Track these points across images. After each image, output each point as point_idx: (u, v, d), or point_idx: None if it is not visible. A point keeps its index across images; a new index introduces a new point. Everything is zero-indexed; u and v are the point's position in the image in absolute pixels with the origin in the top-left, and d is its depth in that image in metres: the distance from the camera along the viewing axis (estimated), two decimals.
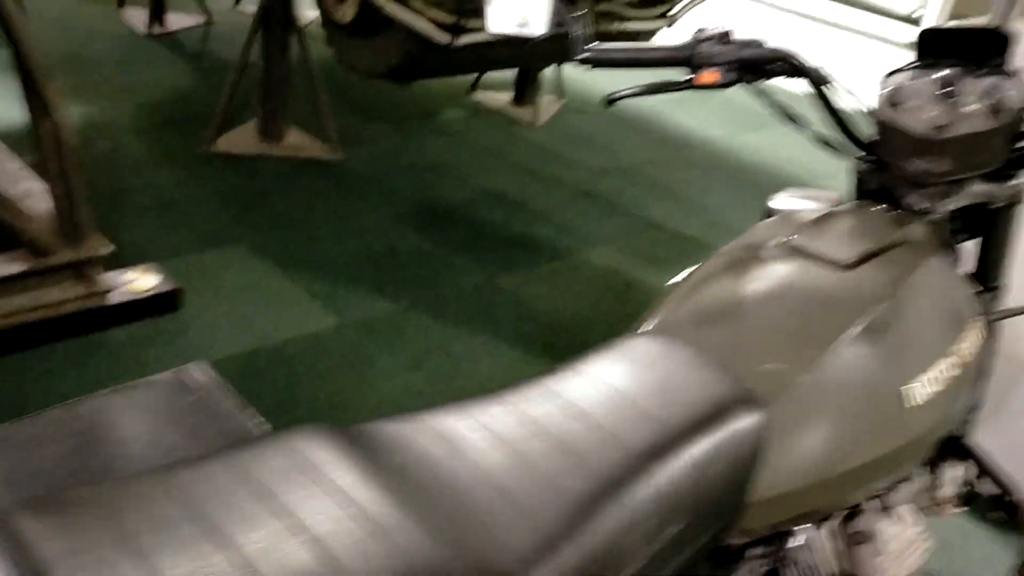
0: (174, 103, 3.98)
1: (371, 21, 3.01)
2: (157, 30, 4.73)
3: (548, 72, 4.55)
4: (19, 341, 2.30)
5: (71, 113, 3.63)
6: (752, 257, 1.11)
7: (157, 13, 4.75)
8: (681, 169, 4.16)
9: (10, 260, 2.29)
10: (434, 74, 3.45)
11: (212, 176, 3.38)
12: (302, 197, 3.33)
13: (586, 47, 1.21)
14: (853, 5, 5.43)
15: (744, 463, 0.92)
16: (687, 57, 1.20)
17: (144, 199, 3.14)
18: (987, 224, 1.30)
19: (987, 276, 1.35)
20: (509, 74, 4.49)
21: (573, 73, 4.90)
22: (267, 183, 3.39)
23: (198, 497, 0.66)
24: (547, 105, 4.57)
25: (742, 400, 0.94)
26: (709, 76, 1.19)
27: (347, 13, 2.98)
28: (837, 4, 5.41)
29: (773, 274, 1.08)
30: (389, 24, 2.99)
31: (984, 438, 2.33)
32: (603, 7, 3.42)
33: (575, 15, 1.20)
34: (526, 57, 3.82)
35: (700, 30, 1.21)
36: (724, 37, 1.20)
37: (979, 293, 1.34)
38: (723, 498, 0.91)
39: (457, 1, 2.90)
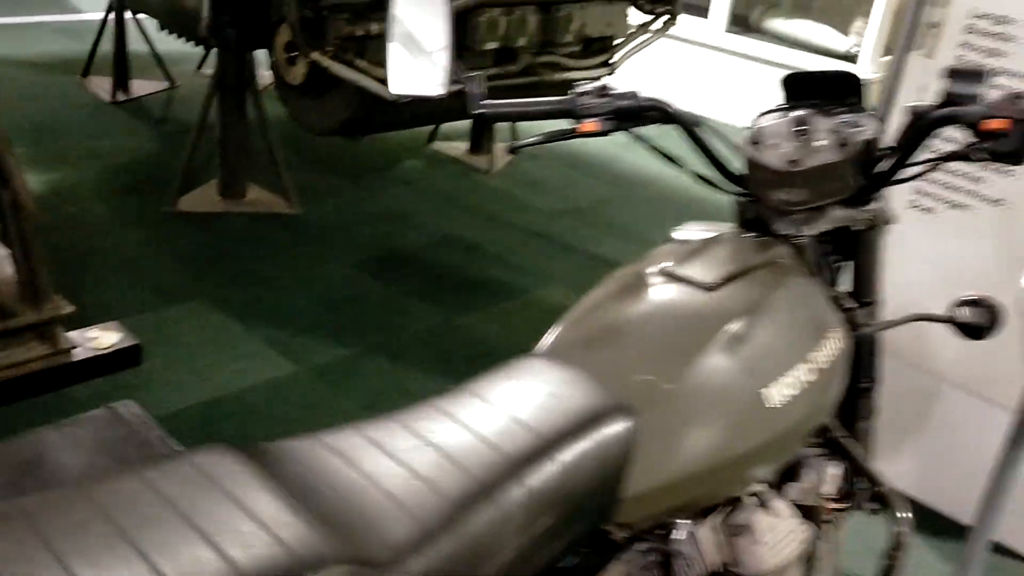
0: (138, 167, 4.11)
1: (320, 81, 3.16)
2: (121, 97, 4.88)
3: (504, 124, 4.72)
4: None
5: (39, 180, 3.76)
6: (634, 282, 1.24)
7: (121, 81, 4.90)
8: (632, 207, 4.32)
9: None
10: (383, 128, 3.60)
11: (174, 235, 3.50)
12: (262, 251, 3.45)
13: (481, 103, 1.35)
14: (794, 46, 5.67)
15: (615, 463, 1.04)
16: (570, 109, 1.35)
17: (109, 260, 3.25)
18: (854, 246, 1.43)
19: (861, 293, 1.49)
20: (465, 124, 4.66)
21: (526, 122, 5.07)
22: (228, 239, 3.51)
23: (110, 506, 0.77)
24: (502, 153, 4.74)
25: (614, 409, 1.06)
26: (590, 125, 1.33)
27: (297, 75, 3.13)
28: (778, 46, 5.65)
29: (649, 297, 1.20)
30: (337, 83, 3.14)
31: (906, 448, 2.46)
32: (545, 59, 3.60)
33: (470, 75, 1.34)
34: (548, 113, 3.98)
35: (579, 85, 1.36)
36: (602, 90, 1.35)
37: (856, 308, 1.47)
38: (595, 494, 1.03)
39: None
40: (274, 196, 3.86)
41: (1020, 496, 2.26)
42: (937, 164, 1.27)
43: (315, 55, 2.93)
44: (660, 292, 1.21)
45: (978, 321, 1.43)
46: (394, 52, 1.31)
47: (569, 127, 1.39)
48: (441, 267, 3.52)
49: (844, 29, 5.63)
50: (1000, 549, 2.31)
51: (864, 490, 1.42)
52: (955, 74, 1.20)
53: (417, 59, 1.31)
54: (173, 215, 3.64)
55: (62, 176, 3.89)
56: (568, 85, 4.00)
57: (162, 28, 4.15)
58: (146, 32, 4.91)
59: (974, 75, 1.19)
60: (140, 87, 5.01)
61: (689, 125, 1.36)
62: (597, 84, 1.35)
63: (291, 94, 3.36)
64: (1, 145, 2.28)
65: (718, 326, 1.15)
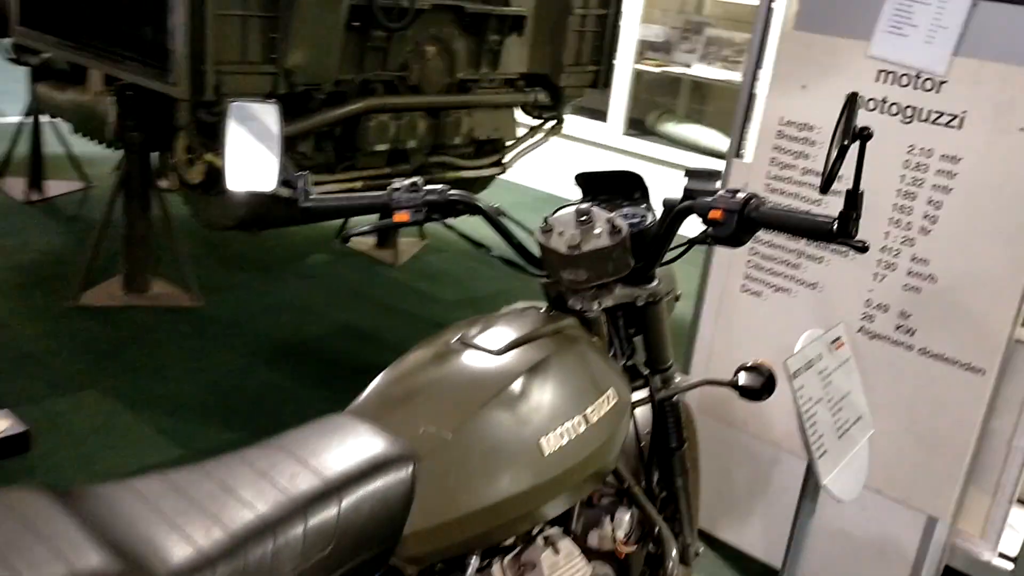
0: (44, 263, 4.22)
1: (218, 181, 3.36)
2: (35, 197, 5.00)
3: None
4: None
5: None
6: (435, 349, 1.42)
7: (35, 181, 5.03)
8: (528, 296, 4.53)
9: None
10: (281, 224, 3.79)
11: (74, 328, 3.59)
12: (160, 343, 3.56)
13: (309, 199, 1.55)
14: (685, 147, 6.08)
15: (397, 503, 1.20)
16: (385, 204, 1.55)
17: (5, 352, 3.33)
18: (641, 319, 1.65)
19: (656, 361, 1.69)
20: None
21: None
22: (127, 332, 3.62)
23: None
24: (408, 246, 4.96)
25: (397, 457, 1.22)
26: (401, 216, 1.54)
27: (196, 175, 3.32)
28: (671, 148, 6.05)
29: (444, 360, 1.39)
30: None
31: (727, 502, 2.64)
32: (437, 159, 3.86)
33: (298, 174, 1.54)
34: (369, 206, 4.21)
35: (394, 182, 1.57)
36: (413, 186, 1.56)
37: (652, 374, 1.68)
38: (378, 530, 1.18)
39: (297, 158, 3.28)
40: (177, 290, 3.99)
41: (819, 541, 2.47)
42: (688, 248, 1.49)
43: (209, 156, 3.13)
44: (454, 356, 1.40)
45: (754, 384, 1.65)
46: (230, 153, 1.51)
47: (391, 219, 1.59)
48: (337, 355, 3.66)
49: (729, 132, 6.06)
50: None
51: (649, 531, 1.59)
52: (693, 174, 1.44)
53: (252, 159, 1.51)
54: (75, 309, 3.74)
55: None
56: (462, 183, 4.32)
57: (75, 131, 4.32)
58: (62, 134, 5.07)
59: (709, 175, 1.43)
60: (55, 187, 5.14)
61: (492, 215, 1.57)
62: (409, 181, 1.56)
63: (192, 193, 3.54)
64: None
65: (501, 384, 1.33)
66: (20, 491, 1.04)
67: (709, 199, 1.40)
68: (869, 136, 1.20)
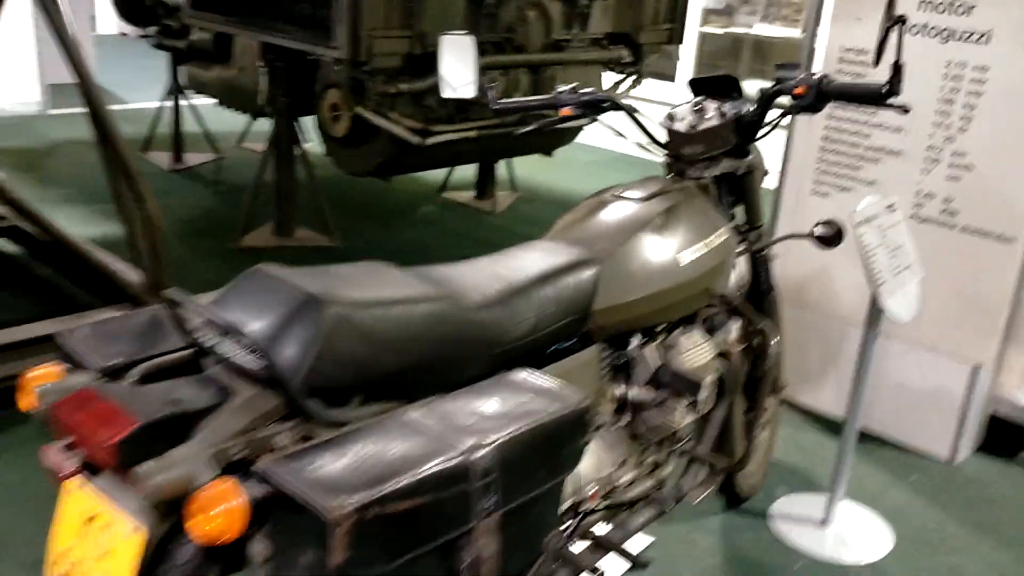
0: (202, 217, 4.93)
1: (359, 133, 4.00)
2: (179, 166, 5.74)
3: (504, 172, 5.58)
4: None
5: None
6: (598, 200, 2.02)
7: (177, 153, 5.77)
8: None
9: (119, 309, 3.16)
10: (409, 169, 4.43)
11: (237, 263, 4.26)
12: None
13: (497, 102, 2.15)
14: None
15: (588, 289, 1.80)
16: (555, 102, 2.15)
17: (188, 282, 4.02)
18: (740, 187, 2.22)
19: (751, 220, 2.27)
20: (470, 177, 5.50)
21: (523, 172, 5.94)
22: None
23: None
24: (504, 198, 5.57)
25: (587, 260, 1.82)
26: (566, 111, 2.13)
27: (341, 128, 3.97)
28: None
29: (606, 205, 1.98)
30: (373, 134, 3.98)
31: (824, 383, 3.19)
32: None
33: (490, 85, 2.13)
34: (481, 153, 4.83)
35: (558, 87, 2.16)
36: (573, 91, 2.15)
37: (749, 230, 2.25)
38: (576, 305, 1.78)
39: (425, 111, 3.91)
40: (317, 234, 4.66)
41: (880, 394, 3.00)
42: (780, 118, 2.06)
43: (358, 109, 3.77)
44: (612, 202, 2.00)
45: (827, 234, 2.21)
46: (444, 71, 2.11)
47: (554, 116, 2.19)
48: None
49: None
50: (866, 436, 3.05)
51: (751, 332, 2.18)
52: (781, 66, 2.01)
53: (456, 76, 2.11)
54: (237, 249, 4.44)
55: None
56: (556, 131, 4.92)
57: (221, 104, 5.02)
58: (198, 114, 5.80)
59: (793, 66, 2.00)
60: (193, 158, 5.87)
61: (630, 111, 2.16)
62: (570, 86, 2.16)
63: (335, 144, 4.20)
64: (138, 177, 3.09)
65: (648, 217, 1.93)
66: (371, 261, 1.65)
67: (793, 80, 1.97)
68: (904, 21, 1.75)
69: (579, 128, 4.92)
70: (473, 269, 1.72)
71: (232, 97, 4.88)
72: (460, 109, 4.12)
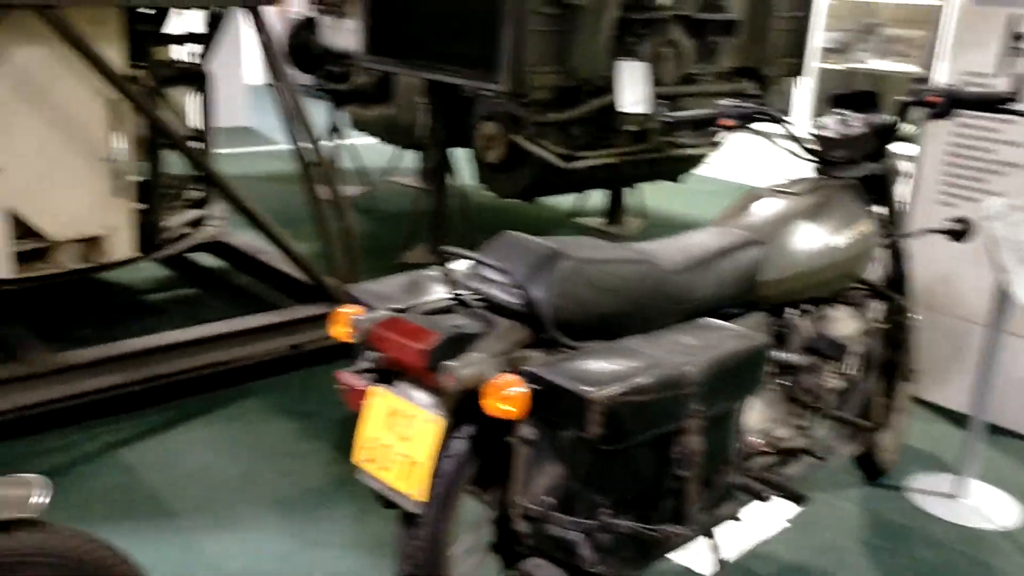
0: (362, 239, 5.49)
1: (511, 159, 4.48)
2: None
3: (633, 200, 5.98)
4: (316, 359, 3.64)
5: (304, 247, 5.15)
6: (756, 194, 2.39)
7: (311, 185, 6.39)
8: None
9: (315, 306, 3.68)
10: (553, 191, 4.87)
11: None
12: None
13: (665, 114, 2.56)
14: None
15: (754, 264, 2.17)
16: (716, 114, 2.54)
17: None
18: (879, 187, 2.55)
19: (889, 215, 2.60)
20: (600, 204, 5.93)
21: (653, 200, 6.33)
22: None
23: None
24: (633, 224, 5.97)
25: (752, 241, 2.20)
26: (726, 121, 2.52)
27: (495, 155, 4.46)
28: None
29: (767, 198, 2.35)
30: (522, 159, 4.45)
31: (951, 381, 3.43)
32: (667, 138, 4.85)
33: (662, 101, 2.54)
34: (615, 179, 5.25)
35: (719, 100, 2.55)
36: (734, 104, 2.54)
37: (888, 224, 2.59)
38: (745, 278, 2.15)
39: (570, 138, 4.36)
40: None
41: (1009, 387, 3.22)
42: (917, 126, 2.40)
43: (513, 137, 4.25)
44: (772, 195, 2.37)
45: (959, 228, 2.52)
46: (622, 90, 2.53)
47: (712, 128, 2.59)
48: None
49: None
50: (995, 429, 3.28)
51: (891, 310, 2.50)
52: (914, 80, 2.36)
53: (634, 94, 2.53)
54: (399, 264, 4.96)
55: (317, 244, 5.28)
56: (685, 160, 5.38)
57: (382, 140, 5.61)
58: (352, 151, 6.43)
59: (923, 79, 2.34)
60: (348, 190, 6.49)
61: (783, 121, 2.54)
62: (731, 101, 2.55)
63: (488, 171, 4.69)
64: (341, 196, 3.62)
65: (806, 206, 2.29)
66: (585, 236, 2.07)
67: (927, 91, 2.31)
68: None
69: (703, 156, 5.30)
70: (663, 245, 2.12)
71: (391, 133, 5.45)
72: (599, 136, 4.56)
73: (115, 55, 3.18)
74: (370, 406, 1.79)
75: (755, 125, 2.59)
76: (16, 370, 3.03)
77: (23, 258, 3.21)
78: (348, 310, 1.89)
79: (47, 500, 1.42)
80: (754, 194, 2.41)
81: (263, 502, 2.72)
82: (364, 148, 7.06)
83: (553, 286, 1.76)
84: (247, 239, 4.56)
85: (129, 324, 3.85)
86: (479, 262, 1.84)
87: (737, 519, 2.06)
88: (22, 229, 3.18)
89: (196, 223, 4.08)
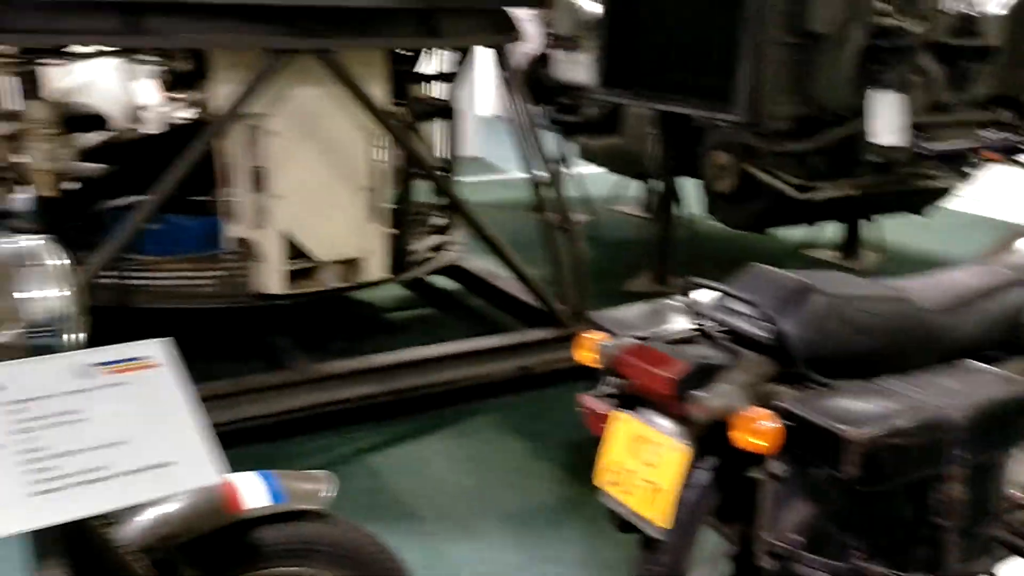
0: (588, 266, 5.60)
1: (743, 189, 4.42)
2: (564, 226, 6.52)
3: (871, 233, 5.71)
4: (543, 381, 3.76)
5: (535, 272, 5.34)
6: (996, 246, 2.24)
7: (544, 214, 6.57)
8: None
9: (545, 330, 3.81)
10: (785, 223, 4.76)
11: (629, 300, 4.84)
12: None
13: (921, 145, 2.45)
14: None
15: (1018, 307, 2.03)
16: (980, 144, 2.41)
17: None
18: None
19: None
20: (831, 235, 5.71)
21: (893, 234, 6.02)
22: None
23: None
24: (870, 258, 5.69)
25: (1019, 282, 2.06)
26: (991, 154, 2.38)
27: (726, 185, 4.42)
28: None
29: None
30: (755, 189, 4.38)
31: None
32: (912, 170, 4.60)
33: (917, 132, 2.44)
34: (853, 210, 5.04)
35: (982, 132, 2.42)
36: (1000, 138, 2.40)
37: None
38: (1009, 322, 2.02)
39: (807, 168, 4.25)
40: None
41: None
42: None
43: (746, 166, 4.20)
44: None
45: None
46: (875, 121, 2.46)
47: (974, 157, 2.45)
48: None
49: None
50: None
51: None
52: None
53: (889, 123, 2.45)
54: (622, 292, 5.02)
55: (544, 270, 5.45)
56: (931, 192, 5.10)
57: (608, 170, 5.72)
58: (578, 180, 6.59)
59: None
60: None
61: None
62: (999, 135, 2.41)
63: (717, 200, 4.66)
64: (573, 225, 3.74)
65: None
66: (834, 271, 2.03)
67: None
68: None
69: (951, 188, 4.97)
70: (920, 282, 2.04)
71: (618, 162, 5.54)
72: (839, 167, 4.41)
73: (379, 93, 3.48)
74: (614, 431, 1.85)
75: (1021, 157, 2.43)
76: (283, 377, 3.36)
77: (293, 276, 3.56)
78: (593, 335, 1.96)
79: (333, 495, 1.59)
80: (1020, 231, 2.26)
81: (497, 515, 2.85)
82: (589, 177, 7.21)
83: (805, 321, 1.75)
84: (480, 264, 4.79)
85: (376, 339, 4.16)
86: (726, 293, 1.86)
87: (992, 575, 1.93)
88: (293, 251, 3.53)
89: (439, 248, 4.33)
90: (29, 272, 1.20)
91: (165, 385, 1.19)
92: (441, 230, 4.45)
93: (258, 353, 3.69)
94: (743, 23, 3.84)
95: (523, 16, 4.65)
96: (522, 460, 3.22)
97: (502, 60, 3.84)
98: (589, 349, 1.93)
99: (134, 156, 3.83)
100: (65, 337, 1.21)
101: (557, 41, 6.14)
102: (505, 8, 3.78)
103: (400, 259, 3.92)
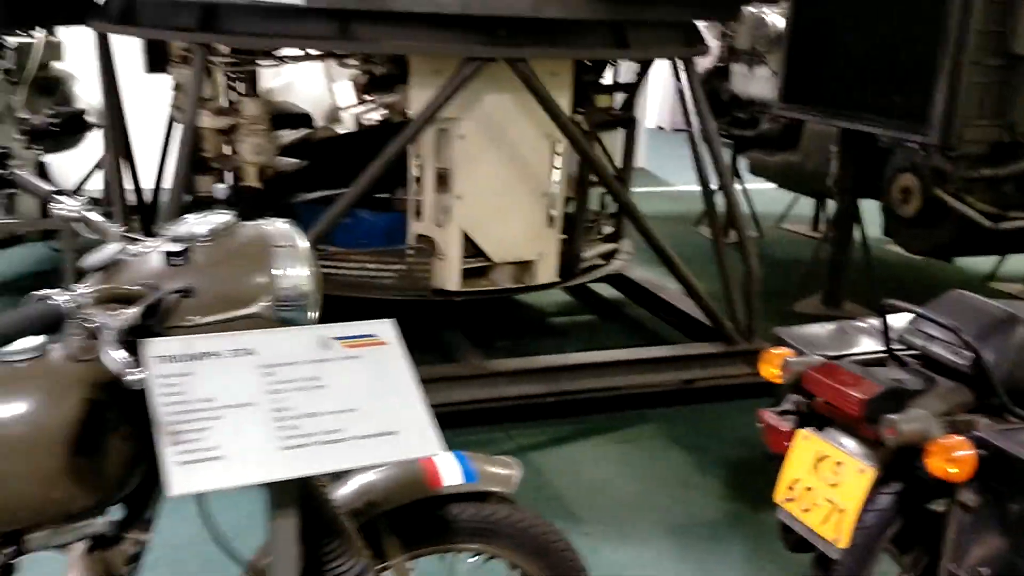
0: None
1: (928, 214, 4.24)
2: (727, 240, 6.44)
3: None
4: (706, 396, 3.74)
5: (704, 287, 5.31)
6: None
7: (725, 229, 6.48)
8: None
9: (710, 345, 3.79)
10: (973, 251, 4.53)
11: (793, 323, 4.73)
12: None
13: None
14: None
15: None
16: None
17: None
18: None
19: None
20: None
21: None
22: None
23: None
24: None
25: None
26: None
27: (911, 209, 4.25)
28: None
29: None
30: (942, 215, 4.19)
31: None
32: None
33: None
34: None
35: None
36: None
37: None
38: None
39: (1001, 196, 4.03)
40: (864, 308, 4.94)
41: None
42: None
43: (937, 192, 4.03)
44: None
45: None
46: None
47: None
48: None
49: None
50: None
51: None
52: None
53: None
54: (792, 312, 4.91)
55: (712, 284, 5.41)
56: None
57: (781, 186, 5.61)
58: (745, 196, 6.48)
59: None
60: (732, 235, 6.54)
61: None
62: None
63: (898, 223, 4.48)
64: (748, 241, 3.71)
65: None
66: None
67: None
68: None
69: None
70: None
71: (792, 180, 5.43)
72: None
73: (564, 102, 3.57)
74: (796, 448, 1.85)
75: None
76: (453, 370, 3.51)
77: (467, 275, 3.70)
78: (779, 351, 1.96)
79: (519, 481, 1.67)
80: None
81: (658, 523, 2.87)
82: (756, 193, 7.07)
83: (1010, 351, 1.69)
84: (644, 274, 4.81)
85: (539, 342, 4.26)
86: (925, 317, 1.82)
87: None
88: (470, 250, 3.68)
89: (607, 256, 4.39)
90: (280, 252, 1.34)
91: (392, 361, 1.30)
92: (610, 238, 4.50)
93: (429, 346, 3.86)
94: (942, 42, 3.69)
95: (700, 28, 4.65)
96: (683, 471, 3.22)
97: (689, 73, 3.85)
98: (774, 365, 1.94)
99: (326, 153, 4.09)
100: (307, 312, 1.34)
101: (736, 54, 6.08)
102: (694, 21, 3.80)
103: (570, 265, 4.00)
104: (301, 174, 3.97)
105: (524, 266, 3.80)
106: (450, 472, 1.59)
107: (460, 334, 3.89)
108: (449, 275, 3.67)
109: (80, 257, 1.34)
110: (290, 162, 3.95)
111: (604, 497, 3.03)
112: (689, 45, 3.80)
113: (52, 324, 1.12)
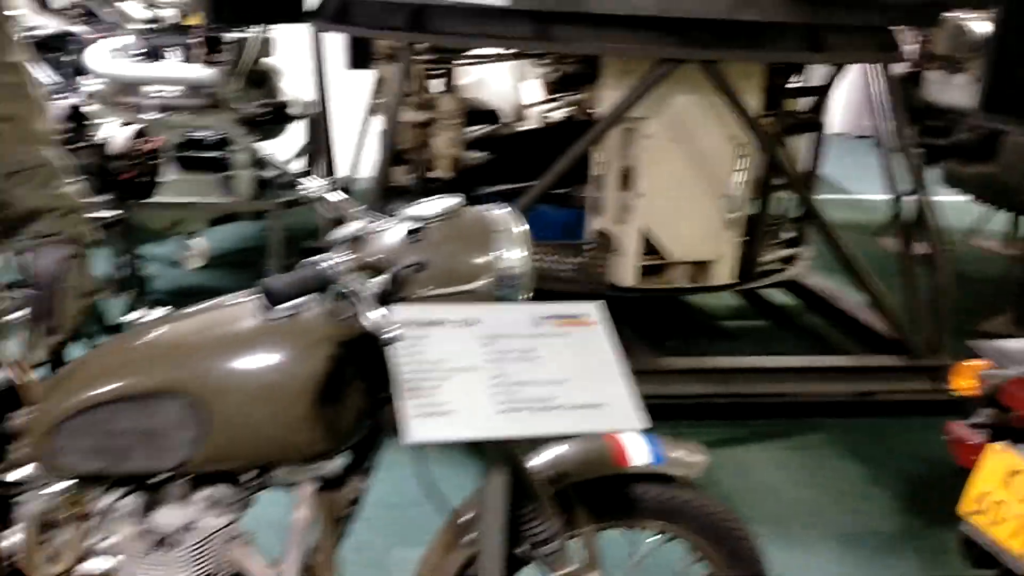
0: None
1: None
2: (916, 251, 6.17)
3: None
4: (883, 409, 3.64)
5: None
6: None
7: (907, 241, 6.21)
8: None
9: (892, 357, 3.69)
10: None
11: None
12: None
13: None
14: None
15: None
16: None
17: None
18: None
19: None
20: None
21: None
22: None
23: None
24: None
25: None
26: None
27: None
28: None
29: None
30: None
31: None
32: None
33: None
34: None
35: None
36: None
37: None
38: None
39: None
40: None
41: None
42: None
43: None
44: None
45: None
46: None
47: None
48: None
49: None
50: None
51: None
52: None
53: None
54: (977, 331, 4.67)
55: (894, 296, 5.20)
56: None
57: (976, 200, 5.33)
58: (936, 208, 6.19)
59: None
60: (919, 247, 6.25)
61: None
62: None
63: None
64: (939, 253, 3.58)
65: None
66: None
67: None
68: None
69: None
70: None
71: (990, 193, 5.14)
72: None
73: (754, 104, 3.57)
74: (988, 461, 1.82)
75: None
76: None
77: (644, 272, 3.77)
78: (974, 364, 1.93)
79: (704, 467, 1.74)
80: None
81: (827, 531, 2.85)
82: (947, 205, 6.72)
83: None
84: (821, 281, 4.70)
85: (710, 343, 4.26)
86: None
87: None
88: (648, 247, 3.74)
89: (786, 260, 4.34)
90: (501, 235, 1.48)
91: (600, 340, 1.40)
92: (791, 243, 4.44)
93: None
94: None
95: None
96: (857, 482, 3.17)
97: (886, 79, 3.76)
98: (969, 377, 1.91)
99: (510, 148, 4.26)
100: (520, 292, 1.47)
101: (933, 60, 5.82)
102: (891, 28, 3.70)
103: (747, 267, 3.99)
104: (486, 167, 4.16)
105: (701, 266, 3.83)
106: (639, 452, 1.68)
107: (631, 331, 3.95)
108: (626, 271, 3.75)
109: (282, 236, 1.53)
110: (477, 156, 4.14)
111: (773, 501, 3.03)
112: (885, 51, 3.71)
113: (319, 286, 1.30)
